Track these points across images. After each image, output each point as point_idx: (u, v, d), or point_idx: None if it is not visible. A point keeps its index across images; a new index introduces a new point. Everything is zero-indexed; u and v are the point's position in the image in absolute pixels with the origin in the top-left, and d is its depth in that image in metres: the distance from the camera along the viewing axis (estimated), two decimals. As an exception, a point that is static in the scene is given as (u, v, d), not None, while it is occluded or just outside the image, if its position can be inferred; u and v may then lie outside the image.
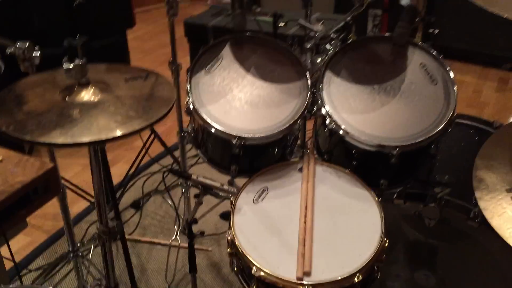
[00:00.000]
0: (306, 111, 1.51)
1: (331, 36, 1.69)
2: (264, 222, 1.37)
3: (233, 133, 1.45)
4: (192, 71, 1.54)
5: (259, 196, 1.43)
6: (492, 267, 1.54)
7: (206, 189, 1.44)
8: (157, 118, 1.13)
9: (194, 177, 1.43)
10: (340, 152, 1.58)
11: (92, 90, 1.20)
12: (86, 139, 1.07)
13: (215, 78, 1.55)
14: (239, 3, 1.51)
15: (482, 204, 1.33)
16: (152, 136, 2.50)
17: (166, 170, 1.39)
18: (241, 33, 1.59)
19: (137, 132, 1.08)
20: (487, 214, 1.30)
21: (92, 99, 1.18)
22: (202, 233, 2.12)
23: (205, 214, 2.06)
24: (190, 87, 1.51)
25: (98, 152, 1.24)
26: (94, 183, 1.30)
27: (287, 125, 1.47)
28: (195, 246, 2.07)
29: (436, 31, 1.76)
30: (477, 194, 1.35)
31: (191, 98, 1.48)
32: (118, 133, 1.07)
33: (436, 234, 1.62)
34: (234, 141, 1.44)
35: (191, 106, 1.48)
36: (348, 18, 2.88)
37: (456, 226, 1.54)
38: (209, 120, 1.46)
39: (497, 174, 1.37)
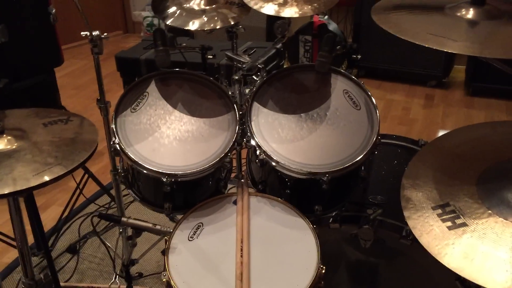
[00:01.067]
0: (236, 144, 1.52)
1: (258, 66, 1.71)
2: (200, 260, 1.34)
3: (163, 171, 1.42)
4: (117, 110, 1.51)
5: (194, 233, 1.41)
6: (427, 281, 1.58)
7: (139, 231, 1.40)
8: (78, 163, 1.09)
9: (124, 219, 1.39)
10: (273, 181, 1.59)
11: (7, 138, 1.15)
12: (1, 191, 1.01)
13: (142, 116, 1.53)
14: (162, 40, 1.50)
15: (411, 223, 1.36)
16: (86, 176, 2.42)
17: (94, 215, 1.34)
18: (166, 69, 1.57)
19: (55, 180, 1.04)
20: (416, 233, 1.34)
21: (7, 148, 1.13)
22: (140, 275, 2.06)
23: (146, 252, 2.01)
24: (116, 127, 1.48)
25: (17, 202, 1.18)
26: (16, 235, 1.24)
27: (217, 159, 1.46)
28: (137, 287, 2.00)
29: (359, 57, 1.83)
30: (406, 213, 1.39)
31: (117, 139, 1.45)
32: (35, 182, 1.02)
33: (375, 253, 1.65)
34: (164, 179, 1.41)
35: (118, 147, 1.44)
36: (279, 46, 2.95)
37: (391, 245, 1.58)
38: (137, 160, 1.43)
39: (423, 192, 1.42)
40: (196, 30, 1.64)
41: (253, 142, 1.50)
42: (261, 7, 1.57)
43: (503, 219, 1.28)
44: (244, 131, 1.55)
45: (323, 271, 1.32)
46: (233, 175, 1.69)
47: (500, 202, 1.32)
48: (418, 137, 1.93)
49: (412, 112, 3.71)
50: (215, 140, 1.51)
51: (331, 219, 1.61)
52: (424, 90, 4.05)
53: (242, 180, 1.57)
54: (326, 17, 3.97)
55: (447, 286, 1.52)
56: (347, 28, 4.47)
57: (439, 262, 1.27)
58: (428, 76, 4.04)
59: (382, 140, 1.72)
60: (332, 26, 3.94)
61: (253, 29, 4.04)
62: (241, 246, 1.35)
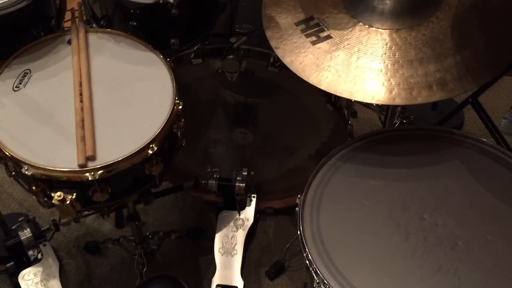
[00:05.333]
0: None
1: None
2: (30, 111, 1.12)
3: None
4: None
5: (20, 82, 1.16)
6: (301, 108, 1.50)
7: None
8: None
9: None
10: (118, 15, 1.34)
11: None
12: None
13: None
14: None
15: (273, 43, 1.22)
16: None
17: None
18: None
19: None
20: (279, 53, 1.21)
21: None
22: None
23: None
24: None
25: None
26: None
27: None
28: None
29: None
30: (268, 33, 1.24)
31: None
32: None
33: (247, 90, 1.53)
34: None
35: None
36: None
37: (260, 75, 1.44)
38: None
39: (286, 8, 1.26)
40: None
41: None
42: None
43: (368, 26, 1.18)
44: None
45: (180, 107, 1.17)
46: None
47: (365, 9, 1.20)
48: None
49: None
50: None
51: (193, 54, 1.42)
52: None
53: (77, 15, 1.29)
54: None
55: (321, 111, 1.45)
56: None
57: (308, 86, 1.16)
58: None
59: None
60: None
61: None
62: (80, 90, 1.14)
